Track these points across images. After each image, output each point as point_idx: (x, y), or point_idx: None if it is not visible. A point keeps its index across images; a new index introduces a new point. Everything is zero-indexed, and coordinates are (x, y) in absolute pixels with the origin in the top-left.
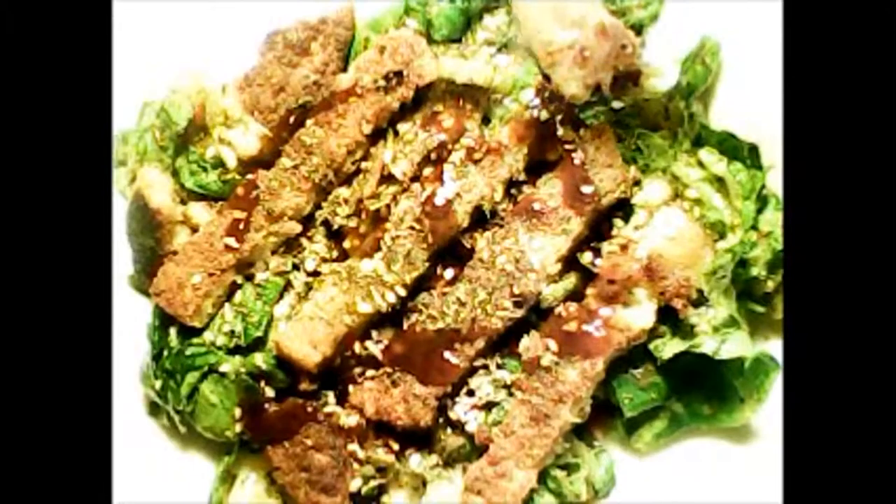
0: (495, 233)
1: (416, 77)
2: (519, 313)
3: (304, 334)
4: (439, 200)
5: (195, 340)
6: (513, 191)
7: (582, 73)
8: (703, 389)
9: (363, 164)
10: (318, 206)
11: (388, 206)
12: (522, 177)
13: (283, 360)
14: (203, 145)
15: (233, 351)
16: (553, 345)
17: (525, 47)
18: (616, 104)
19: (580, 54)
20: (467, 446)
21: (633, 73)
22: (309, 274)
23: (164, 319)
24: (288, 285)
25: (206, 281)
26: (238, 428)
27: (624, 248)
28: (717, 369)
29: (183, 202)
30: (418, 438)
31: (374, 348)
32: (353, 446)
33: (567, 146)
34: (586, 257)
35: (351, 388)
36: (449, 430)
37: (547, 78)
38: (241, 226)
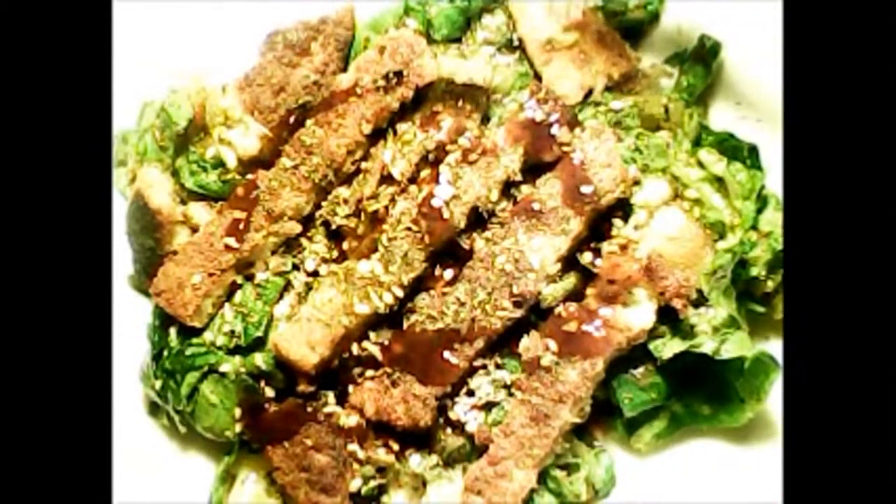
0: (494, 233)
1: (416, 77)
2: (518, 313)
3: (302, 336)
4: (436, 202)
5: (195, 340)
6: (512, 191)
7: (577, 75)
8: (702, 389)
9: (363, 165)
10: (318, 206)
11: (386, 206)
12: (519, 177)
13: (282, 361)
14: (203, 145)
15: (233, 351)
16: (553, 345)
17: (519, 45)
18: (615, 104)
19: (579, 57)
20: (467, 446)
21: (627, 80)
22: (309, 274)
23: (164, 319)
24: (288, 285)
25: (206, 281)
26: (238, 428)
27: (624, 248)
28: (716, 369)
29: (183, 202)
30: (418, 438)
31: (374, 349)
32: (353, 446)
33: (564, 147)
34: (586, 257)
35: (351, 388)
36: (449, 430)
37: (538, 78)
38: (241, 226)
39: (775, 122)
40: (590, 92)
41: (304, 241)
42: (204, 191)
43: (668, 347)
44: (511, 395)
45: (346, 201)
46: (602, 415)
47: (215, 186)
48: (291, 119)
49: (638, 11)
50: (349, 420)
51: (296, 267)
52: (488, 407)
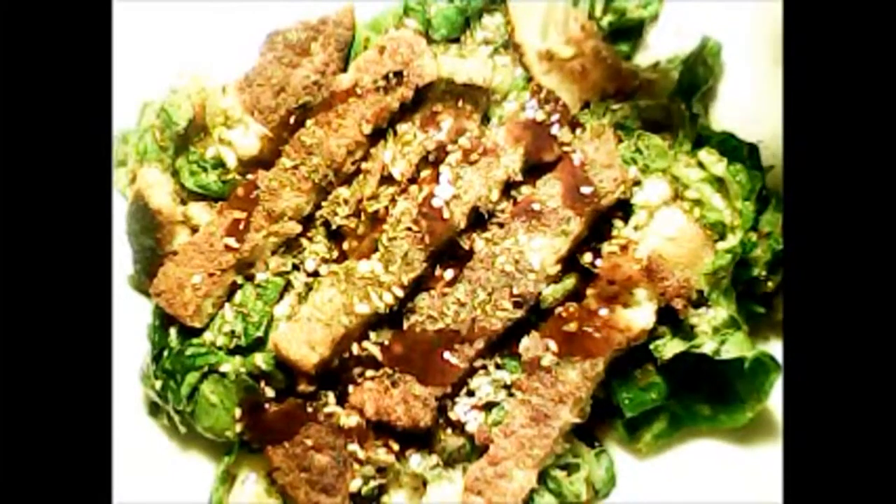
0: (495, 233)
1: (415, 77)
2: (519, 314)
3: (302, 335)
4: (436, 202)
5: (195, 340)
6: (512, 192)
7: (575, 88)
8: (703, 390)
9: (363, 165)
10: (318, 206)
11: (386, 207)
12: (519, 178)
13: (282, 361)
14: (203, 145)
15: (233, 351)
16: (553, 345)
17: (516, 50)
18: (615, 105)
19: (577, 70)
20: (467, 446)
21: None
22: (309, 274)
23: (164, 319)
24: (288, 285)
25: (206, 281)
26: (238, 428)
27: (624, 248)
28: (717, 370)
29: (183, 202)
30: (418, 438)
31: (374, 349)
32: (353, 446)
33: (565, 147)
34: (586, 258)
35: (351, 388)
36: (449, 431)
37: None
38: (241, 226)
39: (775, 122)
40: (587, 104)
41: (304, 241)
42: (204, 191)
43: (668, 348)
44: (511, 395)
45: (346, 201)
46: (602, 415)
47: (215, 186)
48: (291, 119)
49: (638, 11)
50: (349, 420)
51: (296, 267)
52: (488, 407)
